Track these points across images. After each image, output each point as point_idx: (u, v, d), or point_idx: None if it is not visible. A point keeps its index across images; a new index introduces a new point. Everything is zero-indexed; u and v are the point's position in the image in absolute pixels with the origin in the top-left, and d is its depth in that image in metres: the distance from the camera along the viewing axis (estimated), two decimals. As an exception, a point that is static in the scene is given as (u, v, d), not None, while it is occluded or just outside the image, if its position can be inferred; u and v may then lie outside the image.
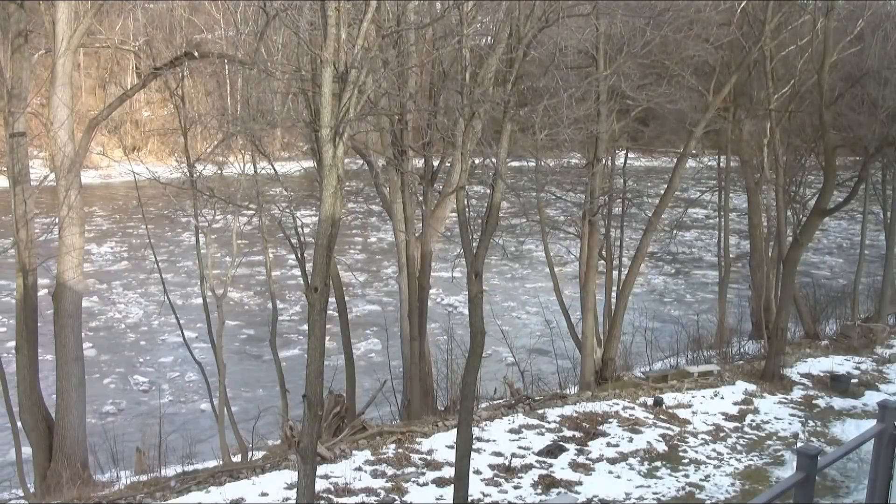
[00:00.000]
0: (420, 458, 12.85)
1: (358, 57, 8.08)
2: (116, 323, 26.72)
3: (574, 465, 12.92)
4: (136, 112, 61.09)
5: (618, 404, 15.92)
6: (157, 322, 26.74)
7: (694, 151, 21.97)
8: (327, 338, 9.57)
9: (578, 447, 13.62)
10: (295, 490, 9.77)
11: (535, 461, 12.98)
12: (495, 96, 11.39)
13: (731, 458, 13.84)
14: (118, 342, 25.15)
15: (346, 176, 18.41)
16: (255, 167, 16.87)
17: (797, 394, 17.64)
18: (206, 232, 17.36)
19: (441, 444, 13.35)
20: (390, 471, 12.31)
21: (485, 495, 11.78)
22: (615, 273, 21.12)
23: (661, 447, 13.93)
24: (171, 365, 23.37)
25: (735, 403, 16.58)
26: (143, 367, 23.18)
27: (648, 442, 14.03)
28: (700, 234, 43.13)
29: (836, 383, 18.05)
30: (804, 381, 18.57)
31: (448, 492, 11.33)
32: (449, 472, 11.85)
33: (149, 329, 26.42)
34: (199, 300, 28.80)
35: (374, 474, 12.18)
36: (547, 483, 12.19)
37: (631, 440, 14.06)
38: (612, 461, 13.17)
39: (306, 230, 15.67)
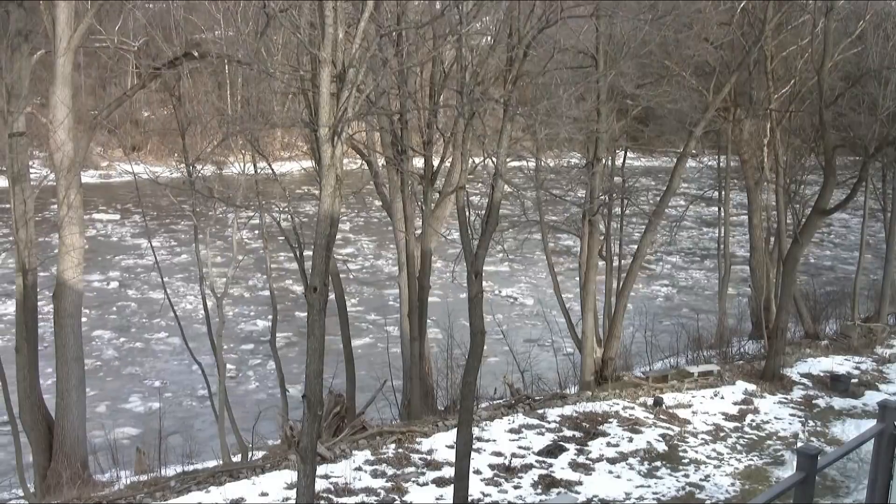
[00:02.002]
0: (420, 458, 12.85)
1: (356, 56, 8.08)
2: (193, 313, 27.72)
3: (574, 465, 12.92)
4: (137, 112, 61.08)
5: (618, 404, 15.91)
6: (230, 313, 27.97)
7: (694, 151, 21.96)
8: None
9: (578, 447, 13.62)
10: (295, 490, 9.77)
11: (535, 461, 12.97)
12: (495, 95, 11.39)
13: (731, 458, 13.84)
14: (198, 332, 25.91)
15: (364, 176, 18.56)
16: (255, 167, 16.87)
17: (797, 394, 17.64)
18: (206, 231, 17.37)
19: (441, 444, 13.35)
20: (390, 471, 12.31)
21: (485, 495, 11.78)
22: (615, 273, 21.11)
23: (661, 447, 13.93)
24: (252, 353, 24.93)
25: (735, 403, 16.58)
26: (227, 355, 24.23)
27: (648, 442, 14.03)
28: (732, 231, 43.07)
29: (836, 383, 18.05)
30: (804, 381, 18.57)
31: (448, 492, 11.32)
32: (449, 472, 11.85)
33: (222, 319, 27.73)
34: (263, 294, 29.90)
35: (374, 474, 12.18)
36: (547, 483, 12.18)
37: (631, 440, 14.06)
38: (612, 461, 13.17)
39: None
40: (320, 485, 11.36)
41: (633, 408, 15.80)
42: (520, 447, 13.49)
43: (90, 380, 22.14)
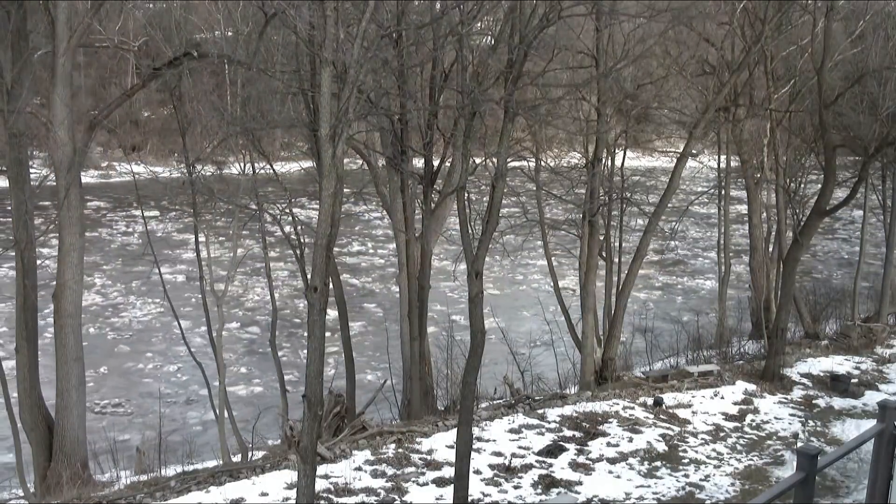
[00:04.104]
0: (420, 458, 12.85)
1: (357, 57, 8.08)
2: (265, 305, 28.58)
3: (574, 465, 12.92)
4: (137, 112, 61.09)
5: (618, 404, 15.91)
6: (301, 305, 29.09)
7: (694, 151, 21.97)
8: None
9: (578, 447, 13.62)
10: (295, 490, 9.77)
11: (535, 461, 12.98)
12: (496, 95, 11.40)
13: (731, 458, 13.84)
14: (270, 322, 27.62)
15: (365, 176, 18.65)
16: (253, 168, 16.88)
17: (797, 394, 17.64)
18: (206, 231, 17.38)
19: (441, 444, 13.35)
20: (390, 471, 12.31)
21: (485, 495, 11.78)
22: (615, 273, 21.11)
23: (661, 447, 13.93)
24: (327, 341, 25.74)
25: (735, 403, 16.58)
26: (304, 342, 24.76)
27: (648, 442, 14.03)
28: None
29: (836, 383, 18.05)
30: (804, 381, 18.57)
31: (448, 492, 11.33)
32: (449, 472, 11.85)
33: (292, 311, 29.50)
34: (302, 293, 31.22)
35: (374, 474, 12.18)
36: (547, 483, 12.19)
37: (631, 440, 14.06)
38: (612, 461, 13.17)
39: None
40: (320, 485, 11.36)
41: (633, 408, 15.80)
42: (520, 447, 13.49)
43: (186, 365, 23.38)
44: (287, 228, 16.53)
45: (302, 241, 15.69)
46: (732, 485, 12.67)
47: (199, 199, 17.20)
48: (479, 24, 15.90)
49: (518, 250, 24.15)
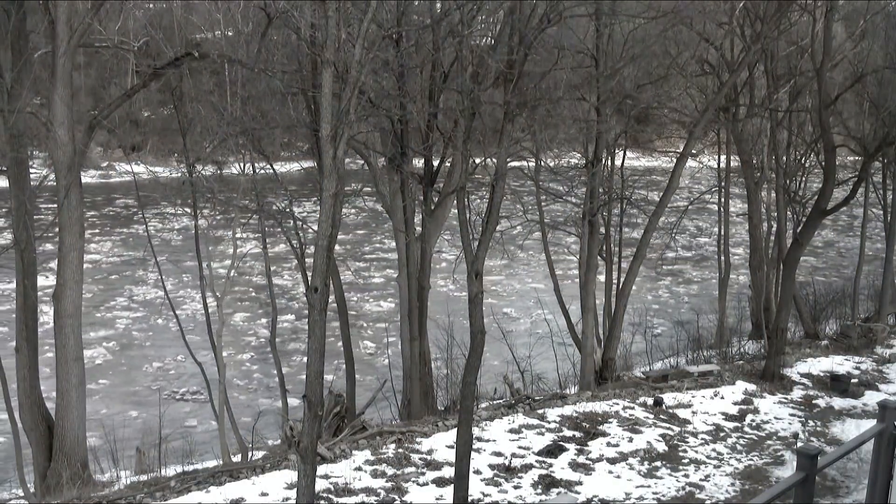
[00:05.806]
0: (420, 458, 12.86)
1: (358, 57, 8.08)
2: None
3: (574, 465, 12.93)
4: (137, 112, 61.13)
5: (618, 404, 15.91)
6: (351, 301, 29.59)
7: (694, 151, 21.98)
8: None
9: (578, 447, 13.63)
10: (295, 490, 9.78)
11: (535, 461, 12.98)
12: (496, 96, 11.41)
13: (731, 458, 13.84)
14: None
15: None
16: (254, 168, 16.88)
17: (797, 394, 17.64)
18: (206, 231, 17.39)
19: (441, 444, 13.35)
20: (390, 471, 12.32)
21: (485, 495, 11.78)
22: (615, 273, 21.11)
23: (661, 447, 13.93)
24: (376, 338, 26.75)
25: (735, 403, 16.58)
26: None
27: (648, 442, 14.04)
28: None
29: (836, 383, 18.06)
30: (804, 381, 18.57)
31: (448, 492, 11.33)
32: (449, 472, 11.86)
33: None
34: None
35: (374, 474, 12.18)
36: (547, 483, 12.19)
37: (631, 440, 14.06)
38: (612, 461, 13.18)
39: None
40: (320, 485, 11.36)
41: (633, 408, 15.80)
42: (520, 447, 13.49)
43: (258, 353, 24.35)
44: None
45: (302, 241, 15.68)
46: (732, 485, 12.68)
47: (200, 199, 17.21)
48: (479, 25, 15.89)
49: (519, 250, 24.16)
